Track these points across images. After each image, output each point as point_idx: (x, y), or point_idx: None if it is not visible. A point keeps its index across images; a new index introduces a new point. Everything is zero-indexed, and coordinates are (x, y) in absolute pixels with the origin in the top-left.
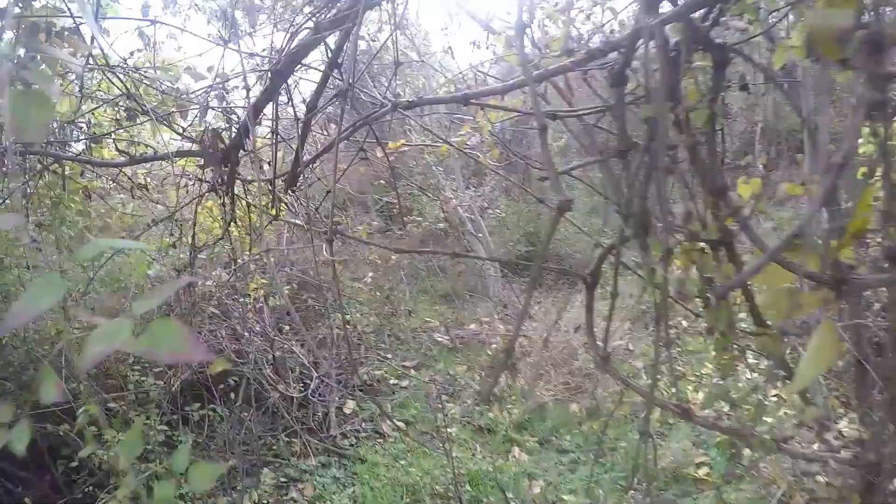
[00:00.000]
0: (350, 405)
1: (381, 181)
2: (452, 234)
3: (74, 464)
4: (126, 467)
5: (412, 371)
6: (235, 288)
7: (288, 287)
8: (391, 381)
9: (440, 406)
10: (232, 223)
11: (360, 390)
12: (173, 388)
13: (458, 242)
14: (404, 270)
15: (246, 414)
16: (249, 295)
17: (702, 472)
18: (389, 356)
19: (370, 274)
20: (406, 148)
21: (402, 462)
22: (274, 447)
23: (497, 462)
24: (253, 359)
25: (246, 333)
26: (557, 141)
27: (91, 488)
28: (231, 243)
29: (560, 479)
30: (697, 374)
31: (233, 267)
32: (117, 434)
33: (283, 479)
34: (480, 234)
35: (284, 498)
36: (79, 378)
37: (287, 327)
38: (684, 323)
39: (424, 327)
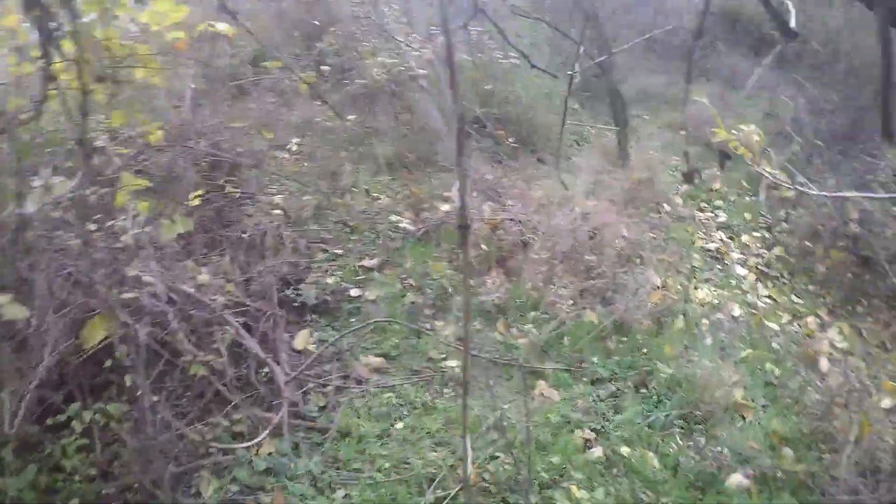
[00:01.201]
0: (302, 337)
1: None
2: (401, 89)
3: None
4: None
5: (375, 273)
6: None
7: (196, 168)
8: (350, 292)
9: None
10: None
11: (313, 312)
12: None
13: (404, 98)
14: (336, 134)
15: (156, 397)
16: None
17: (738, 394)
18: (339, 251)
19: (295, 140)
20: None
21: (401, 426)
22: (206, 435)
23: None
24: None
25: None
26: None
27: None
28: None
29: (607, 424)
30: (688, 266)
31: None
32: None
33: (233, 490)
34: (436, 91)
35: None
36: None
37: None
38: (667, 207)
39: (377, 207)
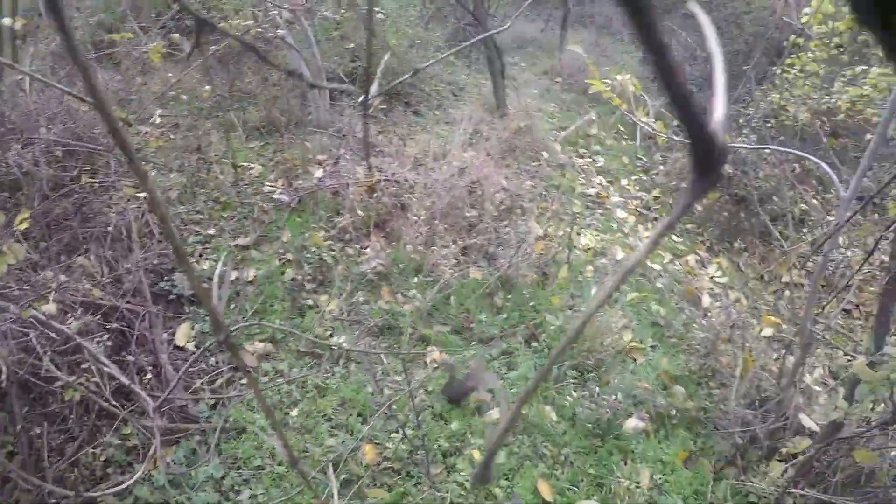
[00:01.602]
0: (183, 332)
1: None
2: (269, 48)
3: None
4: None
5: (252, 251)
6: None
7: (49, 158)
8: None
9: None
10: None
11: (191, 302)
12: None
13: (273, 58)
14: (202, 101)
15: (38, 429)
16: None
17: (627, 337)
18: (212, 231)
19: (158, 112)
20: None
21: (296, 413)
22: (100, 457)
23: (423, 383)
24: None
25: None
26: None
27: None
28: None
29: (504, 383)
30: (569, 212)
31: None
32: None
33: None
34: (308, 48)
35: None
36: None
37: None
38: (546, 155)
39: (249, 178)
